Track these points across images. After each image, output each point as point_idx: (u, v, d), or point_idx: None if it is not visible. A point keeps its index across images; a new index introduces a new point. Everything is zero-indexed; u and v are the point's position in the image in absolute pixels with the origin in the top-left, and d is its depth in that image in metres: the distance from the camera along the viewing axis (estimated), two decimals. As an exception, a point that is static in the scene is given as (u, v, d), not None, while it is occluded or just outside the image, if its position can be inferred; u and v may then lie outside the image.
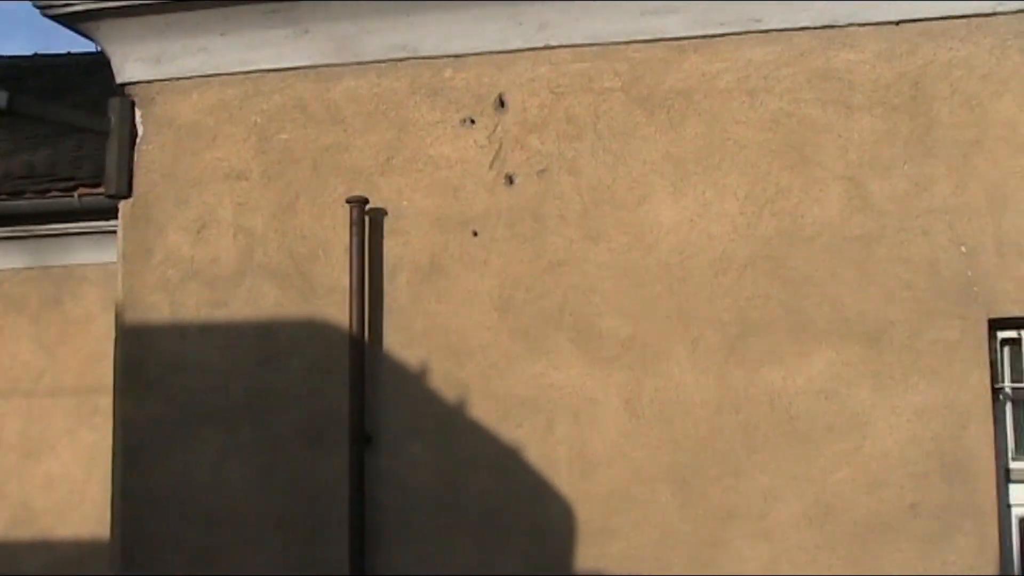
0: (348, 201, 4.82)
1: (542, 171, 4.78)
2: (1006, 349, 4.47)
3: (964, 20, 4.52)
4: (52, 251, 6.86)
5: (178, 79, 5.14)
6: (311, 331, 4.88)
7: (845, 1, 4.54)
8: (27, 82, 8.11)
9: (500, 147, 4.82)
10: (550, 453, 4.65)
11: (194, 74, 5.12)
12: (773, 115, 4.62)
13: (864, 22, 4.58)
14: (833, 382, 4.46)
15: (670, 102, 4.70)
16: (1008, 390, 4.46)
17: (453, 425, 4.76)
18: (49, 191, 6.57)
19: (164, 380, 5.01)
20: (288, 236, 4.97)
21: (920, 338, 4.41)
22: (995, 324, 4.40)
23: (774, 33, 4.65)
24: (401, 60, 4.94)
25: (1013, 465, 4.45)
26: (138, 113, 5.17)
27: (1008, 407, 4.46)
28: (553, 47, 4.82)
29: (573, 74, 4.79)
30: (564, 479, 4.64)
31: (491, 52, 4.87)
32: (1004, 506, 4.41)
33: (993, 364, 4.44)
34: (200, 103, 5.13)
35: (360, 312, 4.79)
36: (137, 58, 5.15)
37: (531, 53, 4.84)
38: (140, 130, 5.16)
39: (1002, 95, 4.46)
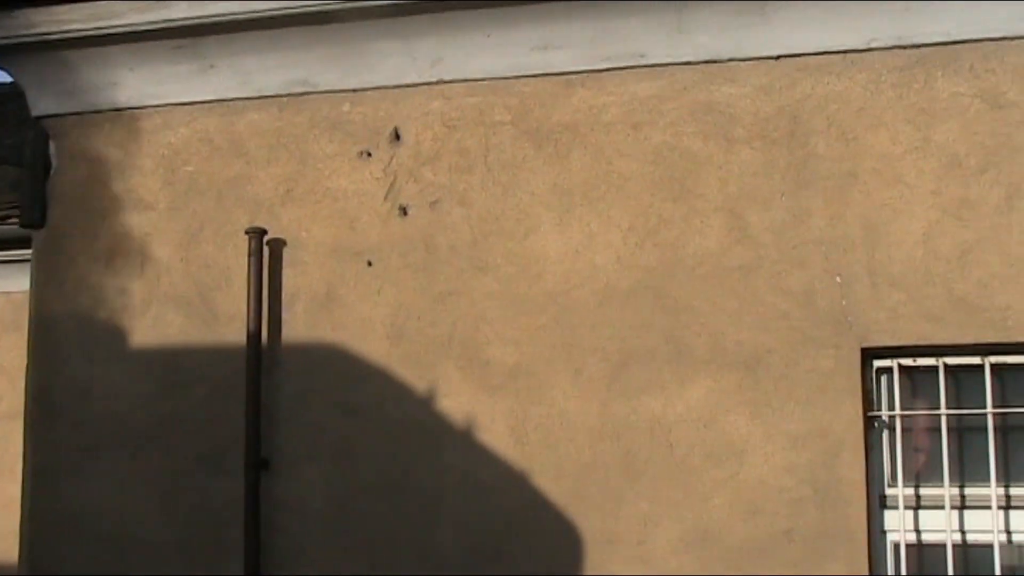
0: (247, 232, 4.85)
1: (434, 202, 4.81)
2: (882, 377, 4.51)
3: (840, 55, 4.53)
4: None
5: (90, 112, 5.17)
6: (214, 358, 4.91)
7: (727, 36, 4.62)
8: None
9: (395, 179, 4.85)
10: (440, 478, 4.66)
11: (105, 108, 5.16)
12: (656, 148, 4.64)
13: (745, 57, 4.60)
14: (711, 410, 4.47)
15: (557, 135, 4.73)
16: (884, 418, 4.49)
17: (347, 450, 4.76)
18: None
19: (73, 406, 5.04)
20: (193, 265, 5.01)
21: (796, 367, 4.42)
22: (868, 353, 4.41)
23: (658, 68, 4.67)
24: (302, 95, 4.97)
25: (888, 492, 4.46)
26: (52, 145, 5.22)
27: (884, 435, 4.49)
28: (447, 81, 4.84)
29: (465, 108, 4.82)
30: (452, 504, 4.64)
31: (387, 87, 4.89)
32: (879, 532, 4.42)
33: (868, 392, 4.47)
34: (111, 136, 5.16)
35: (256, 340, 4.80)
36: (51, 92, 5.19)
37: (425, 87, 4.87)
38: (54, 162, 5.24)
39: (876, 129, 4.47)
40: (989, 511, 4.26)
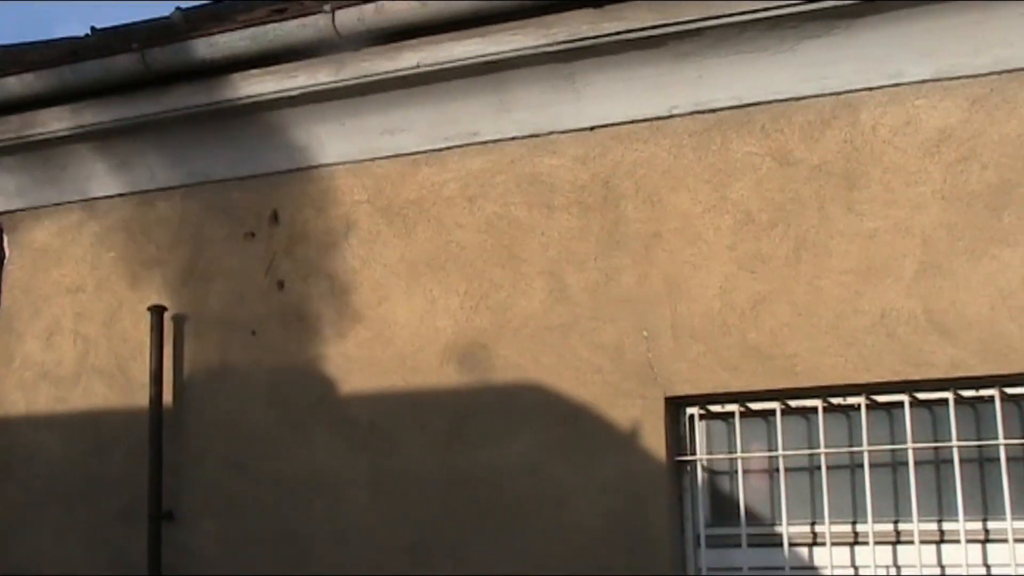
0: (148, 309, 5.18)
1: (305, 276, 5.03)
2: (694, 423, 4.55)
3: (647, 123, 4.58)
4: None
5: (35, 208, 5.58)
6: (130, 422, 5.20)
7: (545, 111, 4.74)
8: None
9: (274, 257, 5.10)
10: (313, 528, 4.86)
11: (46, 203, 5.53)
12: (488, 218, 4.77)
13: (563, 129, 4.68)
14: (536, 459, 4.53)
15: (406, 211, 4.90)
16: (702, 462, 4.52)
17: (238, 504, 4.98)
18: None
19: (21, 468, 5.41)
20: (114, 340, 5.34)
21: (608, 417, 4.46)
22: (673, 402, 4.48)
23: (489, 144, 4.80)
24: (199, 184, 5.26)
25: (706, 532, 4.51)
26: (6, 238, 5.70)
27: (699, 478, 4.53)
28: (314, 167, 5.06)
29: (330, 190, 5.03)
30: (321, 553, 4.83)
31: (267, 174, 5.13)
32: (697, 570, 4.47)
33: (679, 438, 4.51)
34: (51, 228, 5.56)
35: (158, 405, 5.08)
36: (2, 191, 5.68)
37: (298, 173, 5.09)
38: (7, 252, 5.70)
39: (679, 190, 4.52)
40: (781, 548, 4.29)
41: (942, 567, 4.10)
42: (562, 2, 4.45)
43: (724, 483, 4.46)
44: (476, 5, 4.52)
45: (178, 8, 5.80)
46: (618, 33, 4.45)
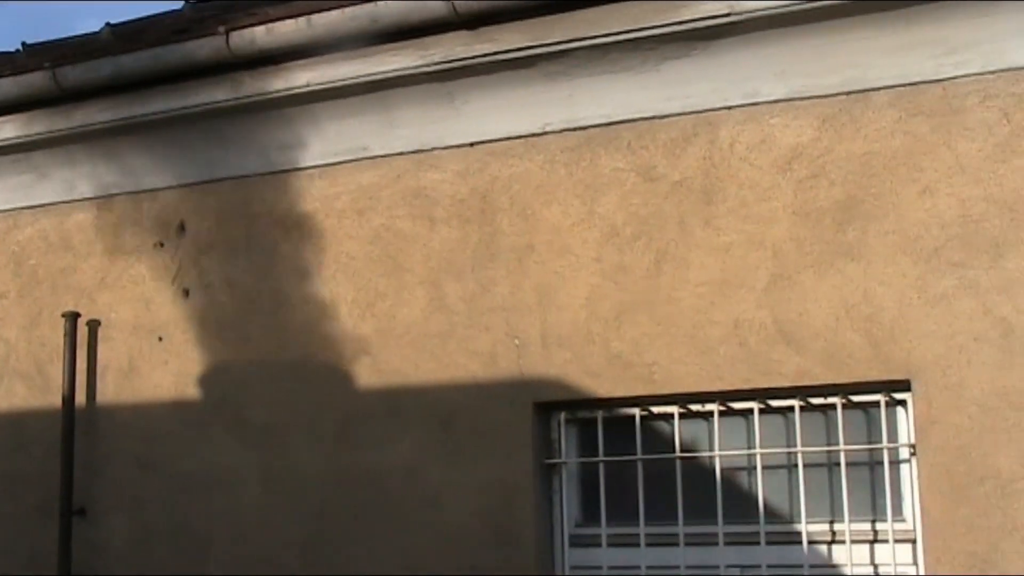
0: (63, 315, 5.30)
1: (208, 285, 5.14)
2: (565, 427, 4.64)
3: (522, 139, 4.66)
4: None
5: (-38, 220, 5.80)
6: (47, 422, 5.31)
7: (430, 128, 4.84)
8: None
9: (180, 266, 5.21)
10: (211, 523, 4.96)
11: (-28, 215, 5.78)
12: (375, 230, 4.87)
13: (445, 145, 4.77)
14: (417, 461, 4.64)
15: (302, 223, 4.98)
16: (567, 465, 4.63)
17: (143, 499, 5.09)
18: None
19: (-50, 465, 5.65)
20: (33, 344, 5.46)
21: (482, 421, 4.56)
22: (541, 406, 4.56)
23: (378, 159, 4.89)
24: (114, 195, 5.35)
25: (575, 531, 4.60)
26: (-65, 247, 5.86)
27: (571, 479, 4.62)
28: (219, 179, 5.18)
29: (233, 202, 5.12)
30: (219, 546, 4.95)
31: (176, 186, 5.26)
32: (568, 568, 4.52)
33: (549, 442, 4.59)
34: (-22, 238, 5.76)
35: (70, 406, 5.21)
36: (-70, 203, 5.82)
37: (204, 185, 5.20)
38: (-63, 261, 5.85)
39: (551, 204, 4.60)
40: (637, 548, 4.36)
41: (789, 567, 4.20)
42: (439, 25, 4.56)
43: (594, 485, 4.56)
44: (358, 27, 4.62)
45: (108, 24, 5.95)
46: (492, 54, 4.54)
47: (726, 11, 4.22)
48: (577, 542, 4.52)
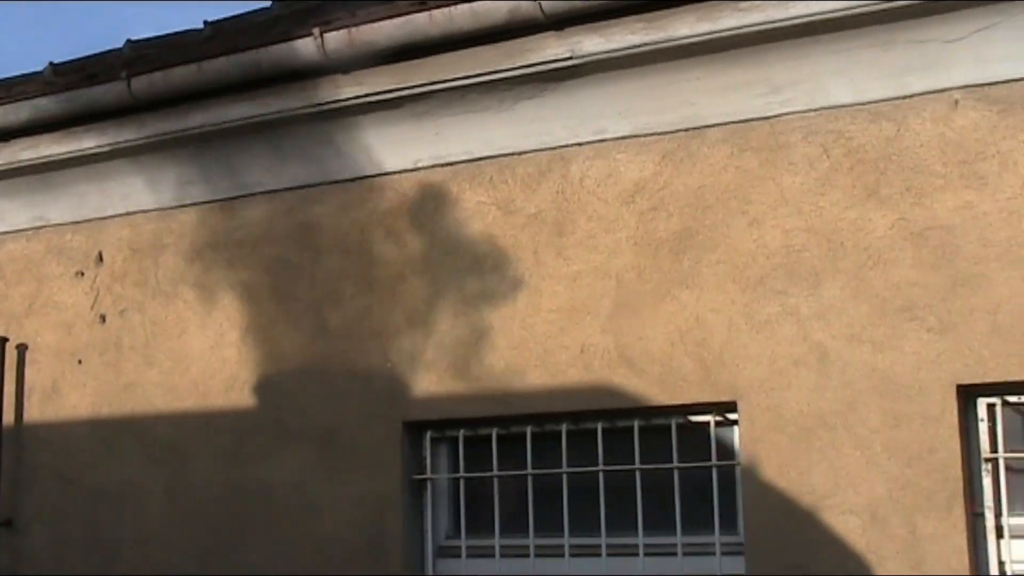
0: (-9, 340, 5.62)
1: (122, 311, 5.36)
2: (433, 445, 4.80)
3: (396, 175, 4.76)
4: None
5: (-89, 248, 6.07)
6: (-17, 440, 5.66)
7: (316, 164, 5.03)
8: None
9: (98, 293, 5.46)
10: (121, 533, 5.17)
11: (-78, 245, 6.05)
12: (268, 261, 5.04)
13: (330, 180, 4.96)
14: (300, 476, 4.82)
15: (204, 254, 5.19)
16: (444, 480, 4.81)
17: (62, 511, 5.32)
18: None
19: None
20: (-29, 367, 5.80)
21: (358, 439, 4.73)
22: (410, 425, 4.72)
23: (272, 193, 5.06)
24: (41, 228, 5.61)
25: (445, 543, 4.76)
26: None
27: (442, 494, 4.79)
28: (132, 213, 5.40)
29: (145, 234, 5.34)
30: (128, 555, 5.16)
31: (95, 219, 5.51)
32: (438, 576, 4.76)
33: (419, 459, 4.75)
34: (-75, 266, 6.04)
35: (-1, 425, 5.56)
36: None
37: (119, 218, 5.42)
38: None
39: (422, 235, 4.67)
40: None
41: (626, 577, 4.37)
42: (314, 70, 4.76)
43: (461, 499, 4.73)
44: (243, 72, 4.83)
45: (51, 64, 6.20)
46: (363, 96, 4.74)
47: (568, 54, 4.37)
48: (446, 553, 4.70)
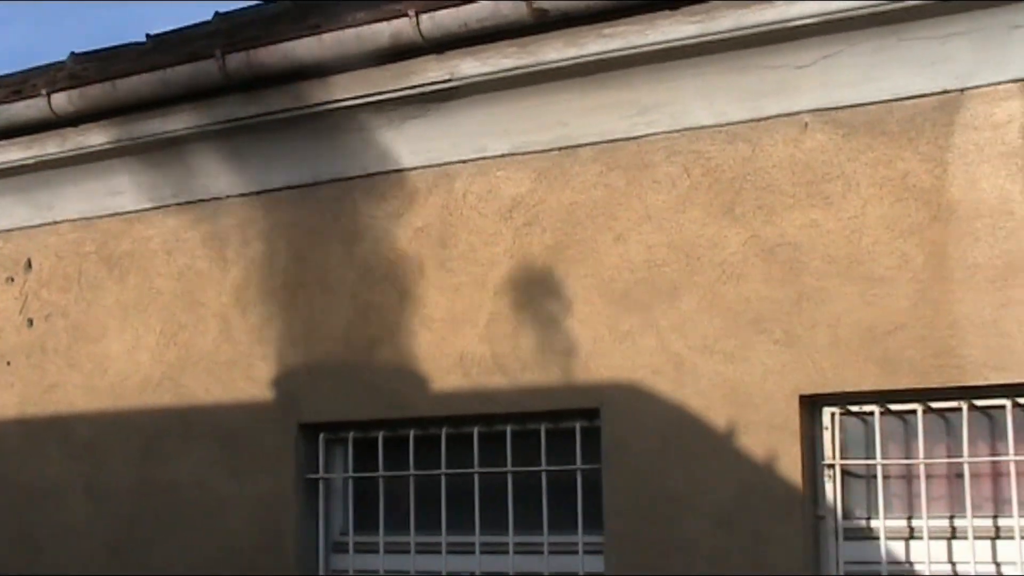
0: (-71, 342, 5.82)
1: (48, 315, 5.54)
2: (327, 446, 4.95)
3: (298, 189, 4.92)
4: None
5: None
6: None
7: (222, 177, 5.19)
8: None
9: (26, 298, 5.63)
10: (43, 528, 5.35)
11: None
12: (180, 269, 5.21)
13: (236, 194, 5.08)
14: (205, 475, 4.98)
15: (123, 261, 5.34)
16: (325, 480, 4.97)
17: None
18: None
19: None
20: (-92, 368, 5.98)
21: (258, 440, 4.88)
22: (305, 427, 4.88)
23: (184, 205, 5.16)
24: (-24, 236, 5.91)
25: (339, 539, 4.91)
26: None
27: (338, 493, 4.96)
28: (59, 222, 5.58)
29: (69, 242, 5.52)
30: (49, 549, 5.34)
31: (24, 227, 5.69)
32: (331, 570, 4.91)
33: (311, 459, 4.89)
34: None
35: (-67, 424, 5.76)
36: None
37: (46, 227, 5.57)
38: None
39: (319, 247, 4.85)
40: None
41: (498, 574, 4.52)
42: (217, 89, 4.92)
43: (351, 498, 4.91)
44: (154, 89, 5.00)
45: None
46: (265, 114, 4.90)
47: (447, 76, 4.52)
48: (339, 549, 4.86)
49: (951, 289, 3.90)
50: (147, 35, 5.91)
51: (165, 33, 5.85)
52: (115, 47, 6.03)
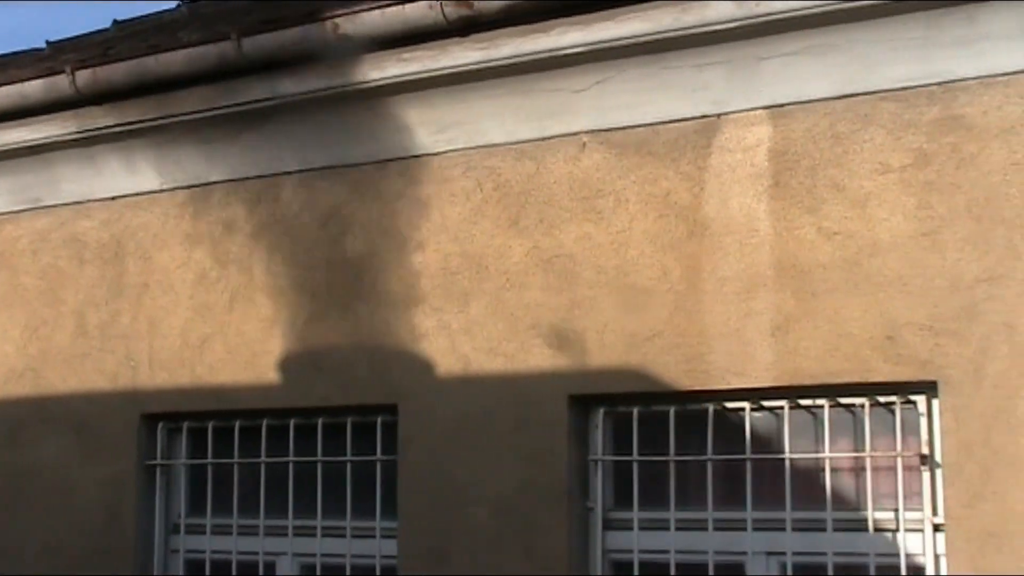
0: None
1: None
2: (169, 434, 5.20)
3: (147, 195, 5.12)
4: None
5: None
6: None
7: (84, 183, 5.43)
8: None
9: (-87, 292, 5.97)
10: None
11: None
12: (44, 268, 5.42)
13: (96, 199, 5.32)
14: (59, 460, 5.20)
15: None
16: (179, 466, 5.22)
17: None
18: None
19: None
20: None
21: (106, 428, 5.10)
22: (146, 417, 5.12)
23: (49, 208, 5.42)
24: None
25: (177, 520, 5.12)
26: None
27: (173, 477, 5.20)
28: (-57, 222, 5.91)
29: (-52, 240, 5.87)
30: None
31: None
32: (169, 550, 5.13)
33: (152, 447, 5.16)
34: None
35: None
36: None
37: (-68, 226, 5.95)
38: None
39: (163, 250, 5.08)
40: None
41: (307, 555, 4.77)
42: (72, 102, 5.15)
43: (187, 483, 5.17)
44: (18, 103, 5.24)
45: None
46: (117, 125, 5.13)
47: (269, 95, 4.75)
48: (177, 529, 5.10)
49: (702, 300, 4.12)
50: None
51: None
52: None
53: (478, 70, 4.40)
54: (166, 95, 4.96)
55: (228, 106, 4.84)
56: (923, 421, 3.88)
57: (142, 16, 6.52)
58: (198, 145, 5.05)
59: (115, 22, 6.55)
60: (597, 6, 4.12)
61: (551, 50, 4.26)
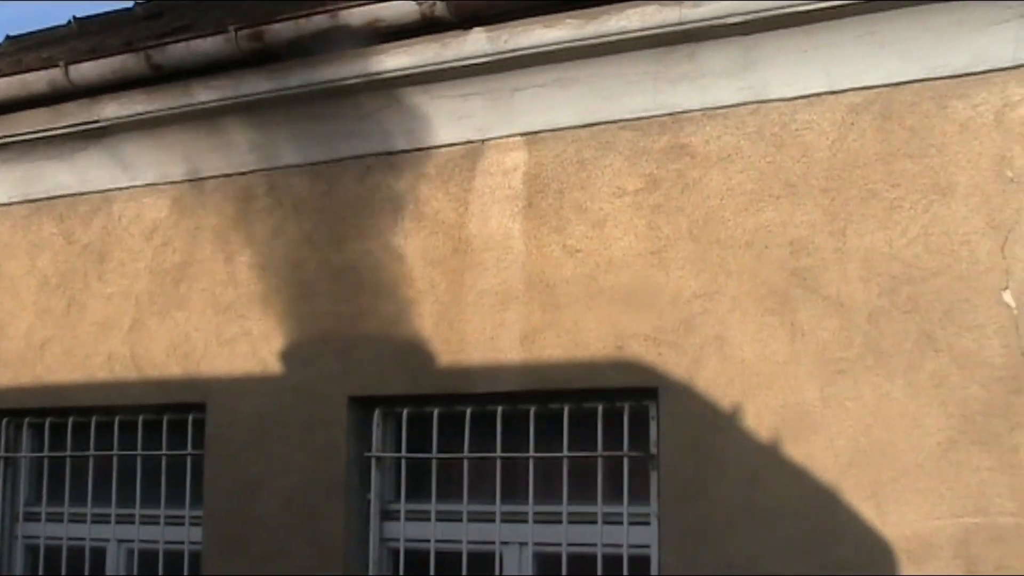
0: None
1: None
2: (12, 430, 5.51)
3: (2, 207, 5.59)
4: None
5: None
6: None
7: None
8: None
9: None
10: None
11: None
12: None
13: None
14: None
15: None
16: (27, 459, 5.50)
17: None
18: None
19: None
20: None
21: None
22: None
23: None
24: None
25: (26, 508, 5.43)
26: None
27: (16, 470, 5.44)
28: None
29: None
30: None
31: None
32: (13, 539, 5.45)
33: (4, 440, 5.47)
34: None
35: None
36: None
37: None
38: None
39: (11, 259, 5.32)
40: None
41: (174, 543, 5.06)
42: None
43: (37, 475, 5.45)
44: None
45: None
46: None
47: (96, 118, 5.00)
48: (28, 517, 5.39)
49: (463, 311, 4.39)
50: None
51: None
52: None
53: (273, 99, 4.67)
54: (10, 116, 5.23)
55: (59, 127, 5.10)
56: (653, 424, 4.14)
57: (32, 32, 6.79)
58: (37, 162, 5.31)
59: (8, 37, 6.84)
60: (368, 43, 4.38)
61: (332, 80, 4.52)
